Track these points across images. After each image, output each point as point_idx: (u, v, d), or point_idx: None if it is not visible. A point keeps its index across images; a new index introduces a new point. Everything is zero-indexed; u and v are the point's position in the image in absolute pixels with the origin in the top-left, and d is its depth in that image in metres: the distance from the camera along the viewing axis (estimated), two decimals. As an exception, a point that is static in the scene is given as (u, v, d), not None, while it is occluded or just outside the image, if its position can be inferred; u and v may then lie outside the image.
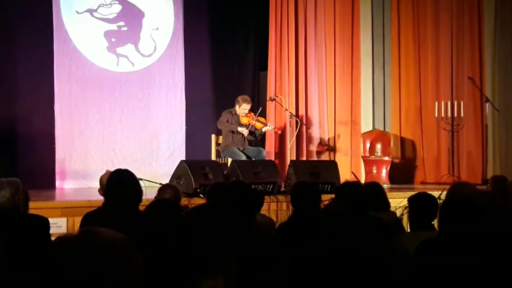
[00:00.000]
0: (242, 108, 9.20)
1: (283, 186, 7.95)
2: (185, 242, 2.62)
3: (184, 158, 9.31)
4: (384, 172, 10.12)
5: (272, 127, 9.57)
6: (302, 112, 10.61)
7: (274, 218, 6.60)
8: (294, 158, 9.96)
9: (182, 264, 2.58)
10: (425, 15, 10.74)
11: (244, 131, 9.14)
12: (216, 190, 4.76)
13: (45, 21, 9.38)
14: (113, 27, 9.93)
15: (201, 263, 2.60)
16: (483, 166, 10.24)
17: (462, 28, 10.55)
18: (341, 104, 10.80)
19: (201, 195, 7.04)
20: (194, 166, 7.48)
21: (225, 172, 7.81)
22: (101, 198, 4.57)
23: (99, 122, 9.75)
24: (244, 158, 8.90)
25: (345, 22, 10.81)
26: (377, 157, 10.33)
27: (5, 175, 4.50)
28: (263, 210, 5.31)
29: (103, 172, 5.77)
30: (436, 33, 10.66)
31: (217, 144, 9.35)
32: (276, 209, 7.34)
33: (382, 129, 10.81)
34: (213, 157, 9.22)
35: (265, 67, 10.74)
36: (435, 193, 5.46)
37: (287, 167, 8.60)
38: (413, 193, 4.58)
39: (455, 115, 10.20)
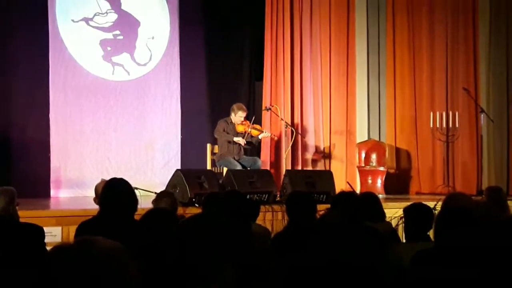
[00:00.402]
0: (238, 116, 9.21)
1: (278, 195, 7.95)
2: (180, 251, 2.62)
3: (179, 167, 9.30)
4: (379, 182, 10.13)
5: (269, 134, 9.59)
6: (297, 121, 10.62)
7: (270, 228, 6.60)
8: (290, 167, 9.98)
9: (178, 273, 2.57)
10: (420, 26, 10.79)
11: (241, 141, 9.14)
12: (211, 200, 4.76)
13: (40, 30, 9.38)
14: (109, 35, 9.94)
15: (197, 273, 2.59)
16: (478, 177, 10.26)
17: (456, 39, 10.60)
18: (337, 114, 10.82)
19: (196, 205, 7.03)
20: (189, 175, 7.48)
21: (220, 182, 7.81)
22: (96, 207, 4.55)
23: (94, 130, 9.73)
24: (239, 167, 8.90)
25: (340, 32, 10.84)
26: (372, 167, 10.35)
27: (-1, 184, 4.49)
28: (259, 220, 5.30)
29: (98, 180, 5.76)
30: (431, 44, 10.70)
31: (213, 153, 9.35)
32: (271, 218, 7.33)
33: (377, 139, 10.83)
34: (209, 166, 9.22)
35: (260, 77, 10.75)
36: (430, 204, 5.45)
37: (282, 176, 8.61)
38: (409, 203, 4.57)
39: (450, 125, 10.23)
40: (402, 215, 4.71)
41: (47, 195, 9.16)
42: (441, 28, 10.65)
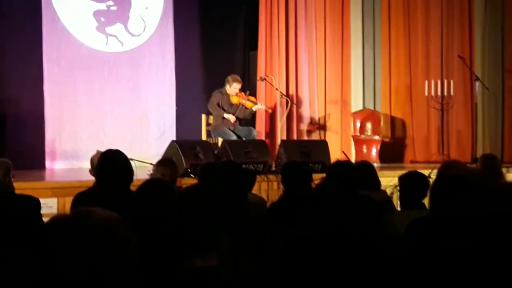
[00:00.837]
0: (233, 88, 9.18)
1: (273, 165, 7.96)
2: (178, 222, 2.63)
3: (174, 138, 9.29)
4: (374, 151, 10.15)
5: (263, 106, 9.57)
6: (292, 91, 10.59)
7: (265, 198, 6.61)
8: (285, 138, 9.98)
9: (176, 244, 2.59)
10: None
11: (231, 118, 9.10)
12: (207, 170, 4.76)
13: (33, 1, 9.29)
14: (102, 6, 9.85)
15: (194, 243, 2.61)
16: (472, 145, 10.27)
17: (452, 6, 10.53)
18: (331, 84, 10.79)
19: (192, 175, 7.04)
20: (184, 146, 7.48)
21: (216, 152, 7.82)
22: (92, 178, 4.56)
23: (88, 102, 9.70)
24: (234, 137, 8.90)
25: (335, 1, 10.77)
26: (367, 136, 10.36)
27: (-6, 156, 4.48)
28: (254, 190, 5.31)
29: (93, 152, 5.74)
30: (426, 11, 10.64)
31: (208, 124, 9.33)
32: (267, 188, 7.35)
33: (372, 108, 10.83)
34: (204, 137, 9.21)
35: (255, 47, 10.70)
36: (425, 172, 5.47)
37: (277, 146, 8.61)
38: (404, 172, 4.59)
39: (445, 94, 10.22)
40: (397, 184, 4.71)
41: (42, 166, 9.18)
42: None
